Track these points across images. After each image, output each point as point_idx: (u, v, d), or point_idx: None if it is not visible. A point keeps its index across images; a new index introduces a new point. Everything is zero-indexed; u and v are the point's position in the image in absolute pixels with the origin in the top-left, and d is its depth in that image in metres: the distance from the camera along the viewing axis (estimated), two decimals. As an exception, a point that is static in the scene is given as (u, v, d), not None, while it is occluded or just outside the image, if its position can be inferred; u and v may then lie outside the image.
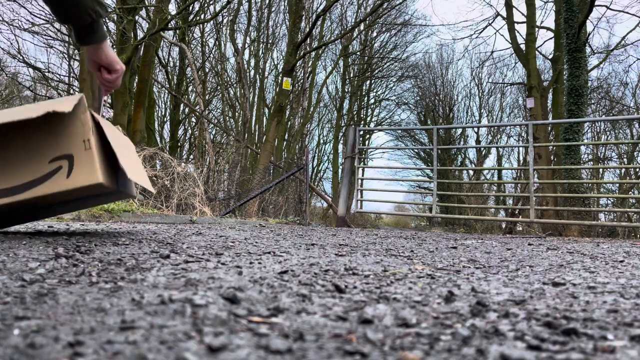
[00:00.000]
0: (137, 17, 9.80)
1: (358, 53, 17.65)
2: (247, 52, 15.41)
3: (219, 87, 14.29)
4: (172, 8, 8.56)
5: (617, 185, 10.60)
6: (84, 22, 1.28)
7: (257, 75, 16.20)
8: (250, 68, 15.94)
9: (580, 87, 8.31)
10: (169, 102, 15.01)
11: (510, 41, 13.15)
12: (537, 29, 12.57)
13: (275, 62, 16.92)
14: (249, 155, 11.26)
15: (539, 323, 0.53)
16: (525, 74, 12.81)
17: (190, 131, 15.44)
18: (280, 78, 11.94)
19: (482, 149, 17.86)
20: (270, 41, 16.23)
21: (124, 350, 0.38)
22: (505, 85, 18.33)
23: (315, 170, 18.55)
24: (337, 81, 18.77)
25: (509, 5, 13.08)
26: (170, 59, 14.44)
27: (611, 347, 0.43)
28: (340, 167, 15.07)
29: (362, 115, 19.43)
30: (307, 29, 12.32)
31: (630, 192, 11.27)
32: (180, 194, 5.39)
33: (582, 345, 0.44)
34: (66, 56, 13.53)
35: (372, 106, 19.93)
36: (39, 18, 10.67)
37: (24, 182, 1.20)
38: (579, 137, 8.35)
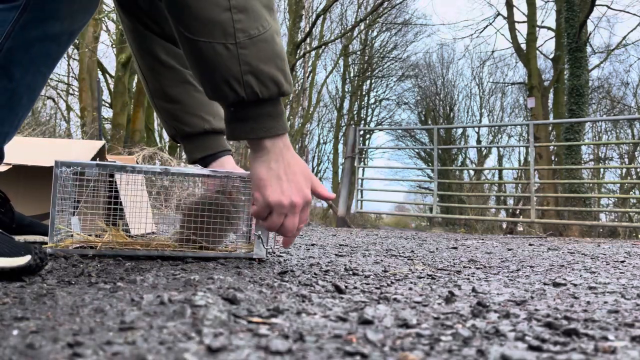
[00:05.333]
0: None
1: (358, 52, 17.65)
2: (247, 51, 15.38)
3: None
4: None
5: (618, 185, 10.60)
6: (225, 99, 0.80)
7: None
8: (251, 68, 15.90)
9: (581, 87, 8.31)
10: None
11: (511, 41, 13.16)
12: (537, 28, 12.57)
13: (276, 62, 16.88)
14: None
15: (539, 323, 0.53)
16: (526, 74, 12.82)
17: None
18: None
19: (483, 148, 17.85)
20: (270, 41, 16.20)
21: (124, 351, 0.38)
22: (506, 85, 18.32)
23: (315, 170, 18.55)
24: (337, 81, 18.77)
25: (509, 5, 13.08)
26: (171, 58, 14.41)
27: (612, 348, 0.43)
28: (340, 167, 15.08)
29: (362, 115, 19.43)
30: (307, 29, 12.32)
31: (631, 192, 11.26)
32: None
33: (583, 346, 0.44)
34: (65, 56, 13.53)
35: (372, 106, 19.92)
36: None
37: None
38: (580, 137, 8.35)
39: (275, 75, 0.79)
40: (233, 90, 0.78)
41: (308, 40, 13.30)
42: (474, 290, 0.76)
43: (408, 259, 1.29)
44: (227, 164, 1.14)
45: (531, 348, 0.43)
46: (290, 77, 0.83)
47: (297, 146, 15.37)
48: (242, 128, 0.82)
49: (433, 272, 1.01)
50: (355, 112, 18.81)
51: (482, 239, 2.78)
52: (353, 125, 6.29)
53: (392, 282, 0.83)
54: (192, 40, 0.77)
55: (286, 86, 0.81)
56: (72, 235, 1.01)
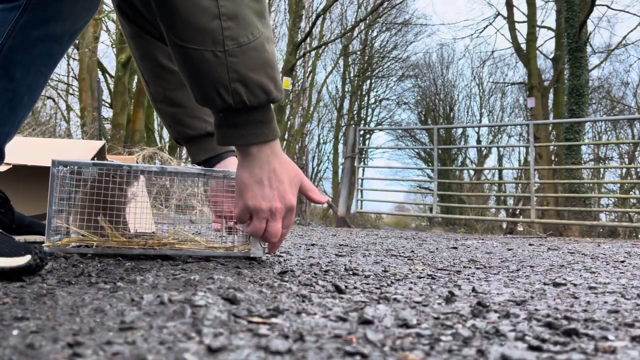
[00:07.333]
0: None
1: (358, 52, 17.65)
2: (247, 51, 15.36)
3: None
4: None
5: (618, 185, 10.60)
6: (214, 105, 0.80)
7: (258, 75, 16.14)
8: (251, 68, 15.87)
9: (581, 87, 8.31)
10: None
11: (511, 41, 13.16)
12: (537, 28, 12.58)
13: (276, 62, 16.87)
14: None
15: (539, 323, 0.53)
16: (526, 74, 12.82)
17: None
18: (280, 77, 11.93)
19: (483, 148, 17.85)
20: (270, 41, 16.19)
21: (124, 351, 0.38)
22: (506, 84, 18.31)
23: (315, 170, 18.55)
24: (337, 81, 18.79)
25: (509, 5, 13.09)
26: (171, 58, 14.40)
27: (612, 348, 0.43)
28: (340, 167, 15.08)
29: (362, 115, 19.43)
30: (307, 29, 12.32)
31: (631, 192, 11.26)
32: (180, 194, 5.39)
33: (582, 346, 0.44)
34: (65, 56, 13.52)
35: (372, 106, 19.91)
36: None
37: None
38: (580, 137, 8.35)
39: (264, 83, 0.79)
40: (221, 97, 0.78)
41: (308, 40, 13.30)
42: (474, 290, 0.76)
43: (408, 259, 1.29)
44: (231, 165, 1.14)
45: (531, 348, 0.43)
46: (280, 84, 0.83)
47: (297, 146, 15.37)
48: (231, 134, 0.83)
49: (433, 272, 1.01)
50: (355, 112, 18.81)
51: (482, 239, 2.78)
52: (353, 125, 6.31)
53: (392, 282, 0.83)
54: (182, 47, 0.77)
55: (275, 93, 0.81)
56: (69, 235, 1.01)
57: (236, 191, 0.87)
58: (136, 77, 10.87)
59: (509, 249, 1.86)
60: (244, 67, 0.77)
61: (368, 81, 19.05)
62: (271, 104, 0.83)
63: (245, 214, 0.87)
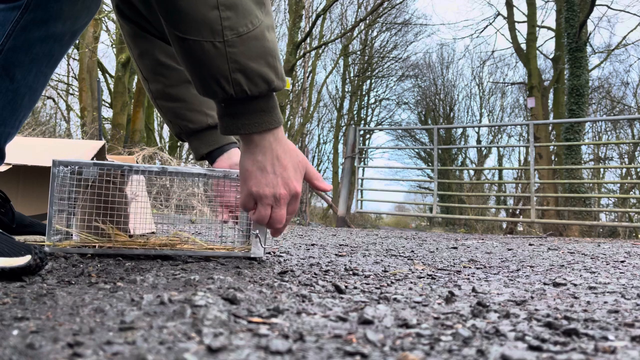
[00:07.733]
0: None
1: (358, 52, 17.65)
2: (247, 51, 15.36)
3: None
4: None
5: (618, 185, 10.60)
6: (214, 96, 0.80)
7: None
8: (251, 68, 15.86)
9: (581, 87, 8.32)
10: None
11: (511, 41, 13.16)
12: (537, 28, 12.57)
13: (276, 62, 16.86)
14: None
15: (539, 323, 0.53)
16: (526, 74, 12.82)
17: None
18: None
19: (483, 148, 17.85)
20: (270, 41, 16.17)
21: (123, 351, 0.38)
22: (506, 84, 18.31)
23: (315, 170, 18.50)
24: (337, 81, 18.81)
25: (509, 5, 13.08)
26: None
27: (612, 348, 0.43)
28: (340, 167, 15.07)
29: (362, 115, 19.43)
30: (307, 28, 12.32)
31: (631, 192, 11.26)
32: (180, 194, 5.39)
33: (582, 346, 0.44)
34: (65, 56, 13.50)
35: (372, 106, 19.92)
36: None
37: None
38: (580, 137, 8.35)
39: (265, 72, 0.78)
40: (221, 87, 0.77)
41: (308, 40, 13.30)
42: (474, 290, 0.76)
43: (408, 259, 1.29)
44: (234, 157, 1.14)
45: (531, 348, 0.43)
46: (282, 72, 0.83)
47: (297, 146, 15.33)
48: (233, 123, 0.82)
49: (433, 272, 1.01)
50: (355, 112, 18.81)
51: (482, 239, 2.78)
52: (353, 125, 6.31)
53: (392, 282, 0.83)
54: (181, 39, 0.77)
55: (277, 82, 0.80)
56: (71, 235, 1.01)
57: (240, 179, 0.87)
58: (136, 77, 10.88)
59: (509, 249, 1.86)
60: (243, 57, 0.77)
61: (368, 81, 19.05)
62: (273, 92, 0.83)
63: (249, 201, 0.87)
